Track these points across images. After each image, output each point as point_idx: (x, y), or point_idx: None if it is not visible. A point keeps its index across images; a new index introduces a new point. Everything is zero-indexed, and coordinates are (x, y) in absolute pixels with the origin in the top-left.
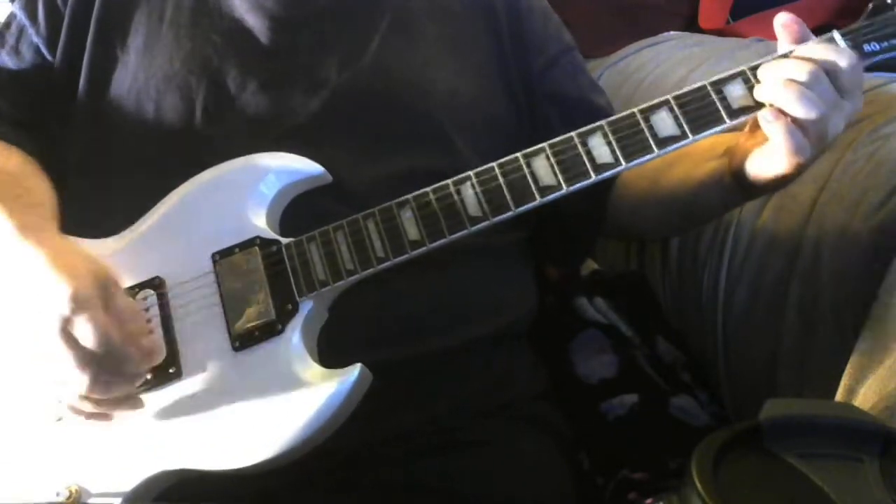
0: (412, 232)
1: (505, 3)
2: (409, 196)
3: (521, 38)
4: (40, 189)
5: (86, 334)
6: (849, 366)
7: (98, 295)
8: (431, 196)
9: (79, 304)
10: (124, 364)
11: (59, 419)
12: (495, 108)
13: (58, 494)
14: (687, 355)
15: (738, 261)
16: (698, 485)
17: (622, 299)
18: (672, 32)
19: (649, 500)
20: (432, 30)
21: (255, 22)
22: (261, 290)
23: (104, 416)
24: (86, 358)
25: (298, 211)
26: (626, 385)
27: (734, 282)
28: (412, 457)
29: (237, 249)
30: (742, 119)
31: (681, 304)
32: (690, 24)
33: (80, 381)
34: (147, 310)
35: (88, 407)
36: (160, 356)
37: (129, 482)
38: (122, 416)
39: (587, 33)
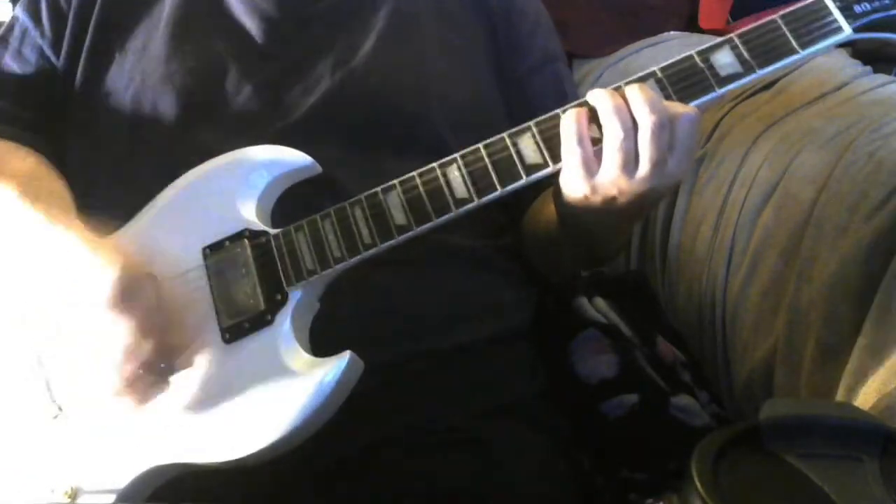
0: (399, 217)
1: (500, 3)
2: (395, 181)
3: (509, 40)
4: (57, 187)
5: (143, 298)
6: (849, 365)
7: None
8: (417, 180)
9: (129, 276)
10: (175, 332)
11: (55, 417)
12: (490, 108)
13: (53, 492)
14: (687, 355)
15: (737, 261)
16: (698, 485)
17: (622, 299)
18: (672, 32)
19: (649, 501)
20: (429, 29)
21: (251, 24)
22: (250, 282)
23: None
24: (148, 323)
25: (294, 209)
26: (626, 385)
27: (734, 282)
28: (411, 457)
29: (227, 242)
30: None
31: (681, 304)
32: (690, 24)
33: (143, 347)
34: None
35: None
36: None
37: (124, 479)
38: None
39: (587, 33)
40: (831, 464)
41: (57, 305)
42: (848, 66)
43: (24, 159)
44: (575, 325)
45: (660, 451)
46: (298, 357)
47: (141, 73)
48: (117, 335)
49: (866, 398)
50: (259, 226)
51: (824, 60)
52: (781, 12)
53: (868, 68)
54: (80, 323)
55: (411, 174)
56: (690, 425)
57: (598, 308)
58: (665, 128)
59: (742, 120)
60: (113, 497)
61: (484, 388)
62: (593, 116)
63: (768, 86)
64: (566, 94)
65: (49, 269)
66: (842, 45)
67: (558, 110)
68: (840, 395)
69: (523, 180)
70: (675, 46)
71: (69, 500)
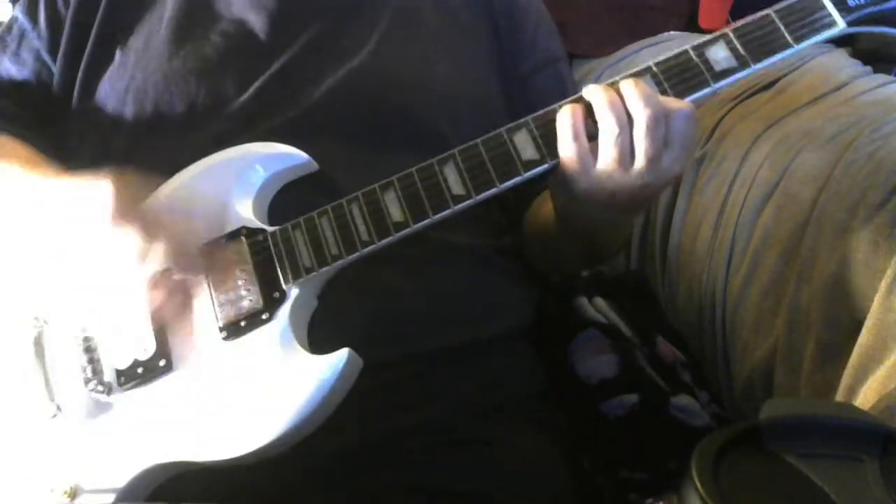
0: (396, 213)
1: (501, 1)
2: (393, 178)
3: (511, 39)
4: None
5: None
6: (849, 365)
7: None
8: (415, 176)
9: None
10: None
11: (54, 416)
12: (491, 107)
13: (52, 491)
14: (687, 355)
15: (737, 261)
16: (698, 485)
17: (622, 299)
18: (672, 32)
19: (649, 500)
20: (432, 27)
21: (255, 20)
22: (248, 280)
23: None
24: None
25: (292, 207)
26: (626, 385)
27: (734, 281)
28: (410, 457)
29: (224, 240)
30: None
31: (681, 304)
32: (690, 24)
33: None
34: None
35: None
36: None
37: (124, 478)
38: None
39: (587, 33)
40: (831, 464)
41: (62, 240)
42: (848, 66)
43: (23, 148)
44: (575, 325)
45: (660, 451)
46: (297, 355)
47: (142, 71)
48: (127, 239)
49: (866, 398)
50: (256, 223)
51: (824, 60)
52: (775, 7)
53: (868, 68)
54: (89, 245)
55: (409, 171)
56: (690, 425)
57: (598, 308)
58: (660, 122)
59: (742, 120)
60: (113, 497)
61: (484, 388)
62: (589, 112)
63: (768, 86)
64: (568, 94)
65: (47, 214)
66: (842, 45)
67: (554, 106)
68: (840, 395)
69: (520, 176)
70: (675, 46)
71: (69, 500)
